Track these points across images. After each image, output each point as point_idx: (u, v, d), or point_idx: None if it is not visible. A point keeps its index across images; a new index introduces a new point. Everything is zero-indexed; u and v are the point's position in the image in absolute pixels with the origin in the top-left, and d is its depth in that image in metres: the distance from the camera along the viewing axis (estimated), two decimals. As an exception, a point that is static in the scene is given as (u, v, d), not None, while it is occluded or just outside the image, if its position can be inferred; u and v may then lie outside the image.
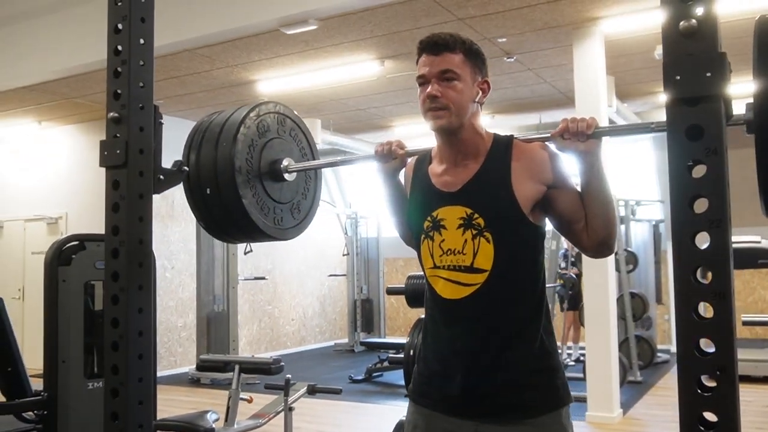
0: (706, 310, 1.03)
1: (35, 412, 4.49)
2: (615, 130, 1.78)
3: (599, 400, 5.69)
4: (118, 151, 1.58)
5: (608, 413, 5.66)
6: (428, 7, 5.32)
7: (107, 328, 1.57)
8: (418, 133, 9.97)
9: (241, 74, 7.08)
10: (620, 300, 7.61)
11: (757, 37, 1.25)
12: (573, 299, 8.01)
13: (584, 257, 6.23)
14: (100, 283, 4.62)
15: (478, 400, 1.76)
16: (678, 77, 1.04)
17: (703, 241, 1.03)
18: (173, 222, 8.73)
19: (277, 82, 7.32)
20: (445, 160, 1.85)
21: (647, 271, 8.97)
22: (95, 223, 7.34)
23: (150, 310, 1.59)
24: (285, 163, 2.18)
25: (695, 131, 1.03)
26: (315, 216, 2.45)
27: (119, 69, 1.61)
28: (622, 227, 8.34)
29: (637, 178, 9.87)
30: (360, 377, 7.90)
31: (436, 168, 1.88)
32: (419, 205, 1.88)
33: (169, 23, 5.62)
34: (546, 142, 1.78)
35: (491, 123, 9.32)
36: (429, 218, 1.83)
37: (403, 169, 1.98)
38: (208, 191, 2.05)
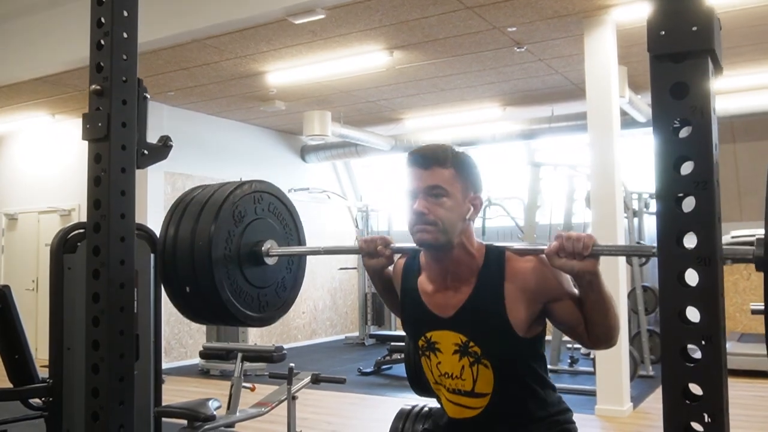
0: (690, 276, 0.98)
1: (42, 399, 4.52)
2: (614, 251, 1.74)
3: (609, 393, 5.62)
4: (99, 124, 1.55)
5: (618, 406, 5.58)
6: (436, -5, 5.27)
7: (88, 303, 1.54)
8: (428, 126, 9.93)
9: (250, 65, 7.06)
10: (632, 293, 7.52)
11: None
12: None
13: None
14: (106, 272, 4.64)
15: None
16: (662, 32, 0.99)
17: (689, 204, 0.98)
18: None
19: (286, 74, 7.29)
20: (435, 277, 1.77)
21: (661, 265, 8.85)
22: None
23: (132, 285, 1.57)
24: (266, 245, 2.04)
25: (680, 89, 0.98)
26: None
27: (102, 41, 1.58)
28: (635, 220, 8.24)
29: (651, 171, 9.74)
30: (369, 370, 7.87)
31: (425, 285, 1.80)
32: (412, 321, 1.83)
33: (177, 13, 5.62)
34: (541, 256, 1.66)
35: (502, 115, 9.24)
36: (423, 338, 1.78)
37: (391, 266, 1.91)
38: (187, 290, 1.93)
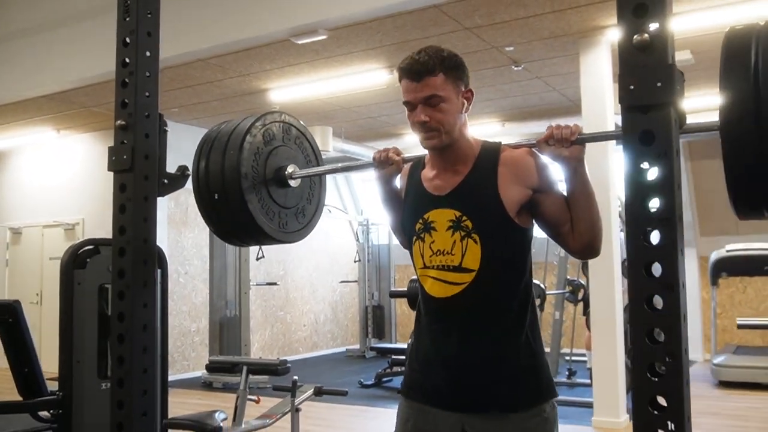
0: (656, 301, 1.11)
1: (50, 411, 4.63)
2: (598, 137, 1.87)
3: (606, 405, 5.72)
4: (125, 157, 1.69)
5: (615, 418, 5.69)
6: (436, 16, 5.43)
7: (113, 322, 1.67)
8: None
9: (253, 83, 7.22)
10: (628, 307, 7.63)
11: (724, 51, 1.33)
12: (587, 304, 8.05)
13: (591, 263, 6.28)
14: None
15: (465, 394, 1.85)
16: (632, 87, 1.13)
17: (655, 237, 1.12)
18: (187, 228, 8.88)
19: (288, 91, 7.45)
20: (437, 166, 1.95)
21: (657, 278, 8.98)
22: (111, 230, 7.51)
23: (154, 305, 1.70)
24: (290, 169, 2.27)
25: (647, 136, 1.12)
26: (320, 220, 2.54)
27: (127, 80, 1.72)
28: (632, 234, 8.36)
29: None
30: (370, 382, 7.98)
31: (428, 173, 1.97)
32: (412, 207, 1.98)
33: (182, 34, 5.77)
34: (533, 149, 1.86)
35: (501, 131, 9.40)
36: (420, 220, 1.92)
37: (399, 175, 2.08)
38: (216, 197, 2.15)
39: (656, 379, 1.08)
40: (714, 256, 8.19)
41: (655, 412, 1.09)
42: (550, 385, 1.89)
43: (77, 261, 4.60)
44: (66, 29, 6.51)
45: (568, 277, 7.79)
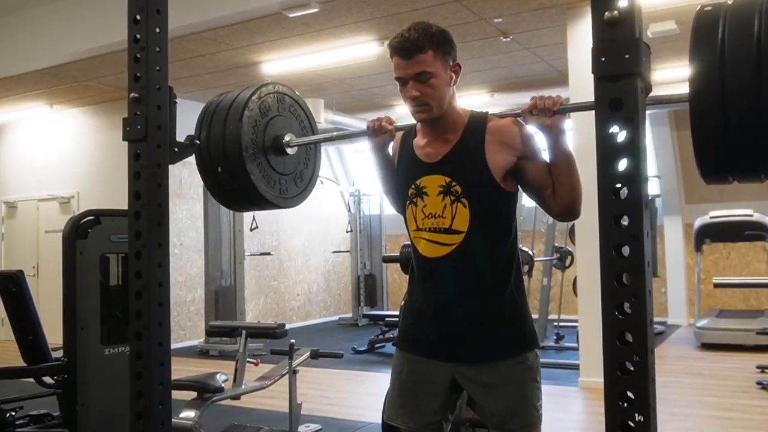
0: (624, 250, 1.26)
1: (54, 377, 4.78)
2: (578, 107, 2.00)
3: (591, 366, 5.93)
4: (138, 127, 1.82)
5: (599, 378, 5.86)
6: (425, -12, 5.52)
7: (131, 280, 1.81)
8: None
9: (246, 56, 7.29)
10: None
11: (693, 27, 1.46)
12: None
13: (577, 230, 6.44)
14: (115, 256, 4.90)
15: (455, 345, 2.01)
16: (603, 59, 1.27)
17: (623, 193, 1.26)
18: (181, 200, 8.98)
19: (280, 63, 7.52)
20: (428, 135, 2.08)
21: (643, 245, 9.19)
22: (106, 201, 7.62)
23: (167, 264, 1.84)
24: (287, 138, 2.40)
25: (616, 103, 1.26)
26: (316, 185, 2.67)
27: (138, 55, 1.84)
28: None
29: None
30: (363, 348, 8.19)
31: (419, 141, 2.11)
32: (405, 174, 2.12)
33: (176, 7, 5.81)
34: (517, 118, 2.00)
35: (490, 101, 9.51)
36: (413, 186, 2.06)
37: (392, 142, 2.21)
38: (219, 169, 2.27)
39: (622, 317, 1.23)
40: (698, 222, 8.39)
41: (622, 346, 1.24)
42: (533, 336, 2.05)
43: (79, 231, 4.73)
44: (59, 4, 6.55)
45: (556, 244, 7.97)
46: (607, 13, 1.26)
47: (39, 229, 9.71)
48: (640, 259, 1.23)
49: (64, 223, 4.56)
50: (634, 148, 1.25)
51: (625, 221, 1.25)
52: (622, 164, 1.26)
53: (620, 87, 1.26)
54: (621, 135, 1.27)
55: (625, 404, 1.25)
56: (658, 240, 9.73)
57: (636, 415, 1.23)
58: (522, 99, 9.32)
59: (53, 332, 4.94)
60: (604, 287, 1.26)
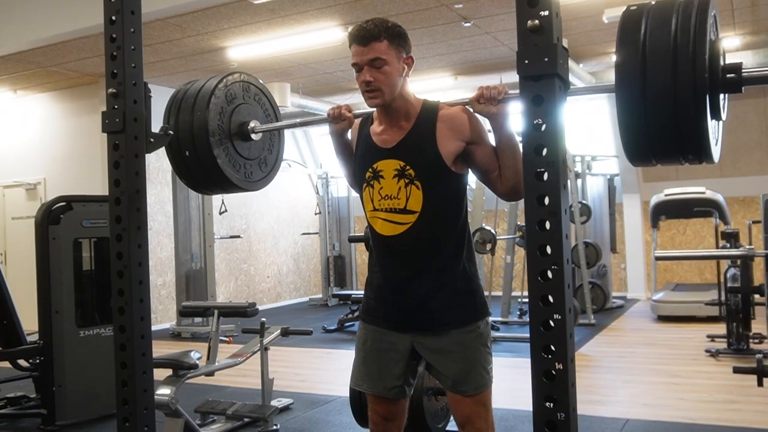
0: (546, 225, 1.47)
1: (30, 360, 4.90)
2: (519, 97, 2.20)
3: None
4: (117, 120, 1.98)
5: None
6: (387, -24, 5.67)
7: (113, 260, 1.98)
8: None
9: (212, 42, 7.38)
10: (575, 249, 8.15)
11: (619, 25, 1.67)
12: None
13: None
14: (87, 241, 5.02)
15: (413, 317, 2.23)
16: (526, 61, 1.47)
17: (545, 176, 1.47)
18: (150, 185, 9.05)
19: (246, 49, 7.62)
20: (384, 122, 2.28)
21: (602, 222, 9.52)
22: (73, 187, 7.69)
23: (146, 245, 2.01)
24: (251, 124, 2.57)
25: (538, 99, 1.46)
26: (284, 168, 2.84)
27: (115, 54, 2.00)
28: (579, 182, 8.84)
29: (593, 135, 10.35)
30: (333, 327, 8.40)
31: (376, 128, 2.30)
32: (362, 158, 2.31)
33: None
34: (466, 106, 2.19)
35: (454, 84, 9.71)
36: (370, 170, 2.26)
37: (351, 129, 2.40)
38: (187, 153, 2.44)
39: (545, 282, 1.45)
40: (654, 200, 8.73)
41: (545, 306, 1.46)
42: (483, 305, 2.27)
43: (51, 217, 4.85)
44: (22, -10, 6.57)
45: (519, 222, 8.23)
46: (529, 22, 1.46)
47: (5, 215, 9.69)
48: (559, 232, 1.45)
49: (30, 209, 4.67)
50: (554, 137, 1.45)
51: (546, 200, 1.47)
52: (544, 151, 1.47)
53: (541, 85, 1.46)
54: (542, 126, 1.47)
55: (549, 355, 1.47)
56: (617, 217, 10.08)
57: (556, 363, 1.45)
58: (485, 81, 9.50)
59: (24, 318, 5.06)
60: (530, 257, 1.47)
